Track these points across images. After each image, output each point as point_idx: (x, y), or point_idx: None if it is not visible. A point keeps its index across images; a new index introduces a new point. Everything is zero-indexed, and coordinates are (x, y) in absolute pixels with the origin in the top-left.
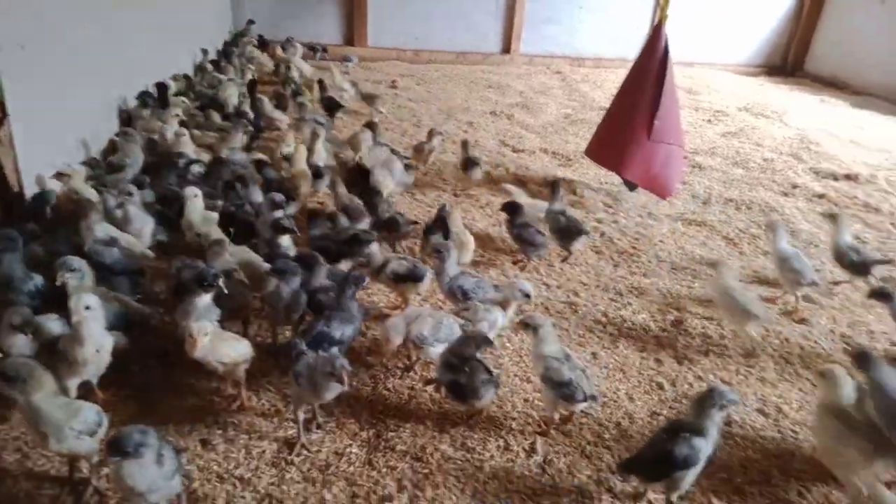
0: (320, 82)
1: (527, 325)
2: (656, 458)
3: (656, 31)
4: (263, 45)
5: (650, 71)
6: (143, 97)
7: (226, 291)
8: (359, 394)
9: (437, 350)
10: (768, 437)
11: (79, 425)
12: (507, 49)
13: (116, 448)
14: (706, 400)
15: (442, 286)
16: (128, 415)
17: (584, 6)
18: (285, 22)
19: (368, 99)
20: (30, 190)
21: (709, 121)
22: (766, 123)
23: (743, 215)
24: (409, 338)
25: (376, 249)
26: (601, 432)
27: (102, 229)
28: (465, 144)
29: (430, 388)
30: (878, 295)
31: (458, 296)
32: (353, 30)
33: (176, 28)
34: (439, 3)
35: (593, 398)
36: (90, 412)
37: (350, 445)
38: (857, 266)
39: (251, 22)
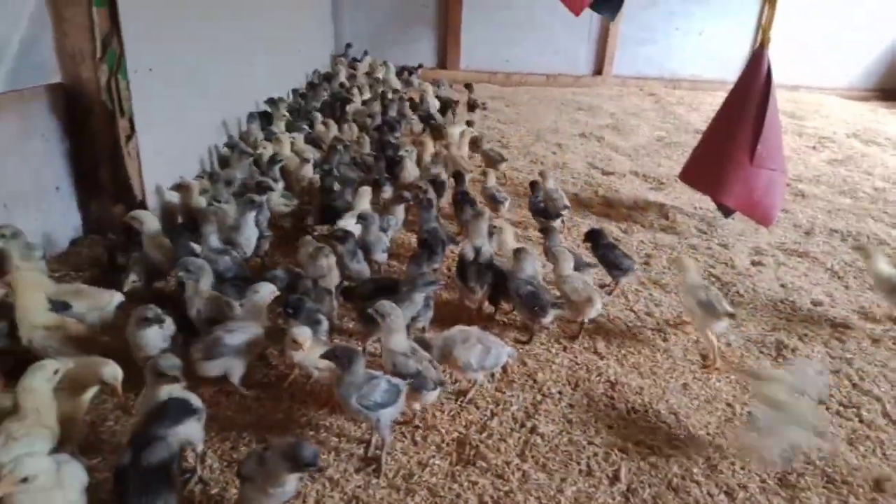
0: (410, 100)
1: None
2: None
3: (759, 54)
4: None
5: (752, 94)
6: (253, 115)
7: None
8: (443, 406)
9: (479, 376)
10: None
11: None
12: (598, 71)
13: None
14: None
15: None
16: (227, 412)
17: (681, 27)
18: (382, 45)
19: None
20: (150, 198)
21: (814, 147)
22: (878, 151)
23: (849, 247)
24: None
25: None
26: (689, 466)
27: (217, 239)
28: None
29: (514, 404)
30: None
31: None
32: (446, 53)
33: (284, 51)
34: (530, 28)
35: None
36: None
37: (433, 457)
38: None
39: (349, 45)
